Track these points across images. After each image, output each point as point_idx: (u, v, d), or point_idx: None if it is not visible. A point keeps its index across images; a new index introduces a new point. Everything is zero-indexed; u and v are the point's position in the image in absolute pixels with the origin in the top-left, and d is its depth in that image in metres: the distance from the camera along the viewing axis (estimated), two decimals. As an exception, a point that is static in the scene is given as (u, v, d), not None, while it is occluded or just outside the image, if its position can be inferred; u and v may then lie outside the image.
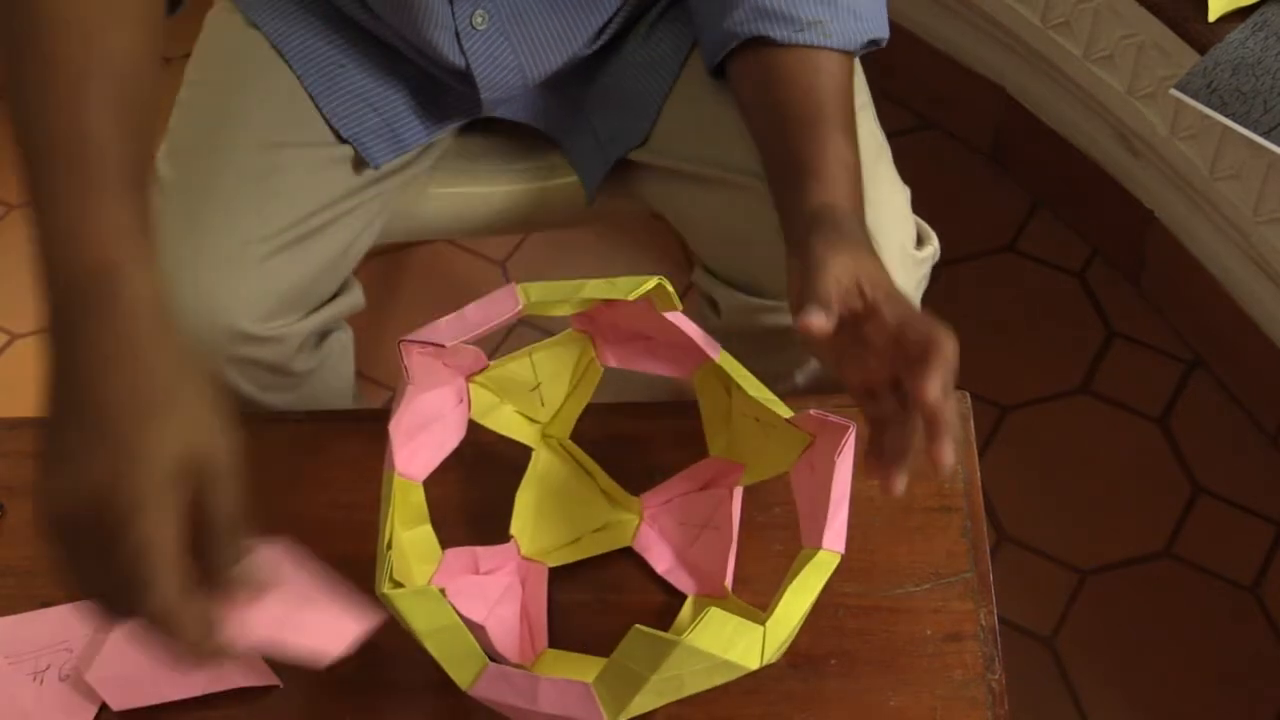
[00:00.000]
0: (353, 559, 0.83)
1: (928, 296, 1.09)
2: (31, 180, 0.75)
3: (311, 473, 0.96)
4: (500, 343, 1.72)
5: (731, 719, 0.84)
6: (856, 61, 1.10)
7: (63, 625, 0.89)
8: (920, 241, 1.07)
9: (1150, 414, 1.69)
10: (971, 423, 0.96)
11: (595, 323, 0.91)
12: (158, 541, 0.66)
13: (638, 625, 0.74)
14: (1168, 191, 1.67)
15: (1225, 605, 1.55)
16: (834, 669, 0.86)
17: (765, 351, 1.01)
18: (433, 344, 0.83)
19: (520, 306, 0.83)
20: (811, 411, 0.83)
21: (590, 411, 0.96)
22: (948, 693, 0.84)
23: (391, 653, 0.88)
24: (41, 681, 0.87)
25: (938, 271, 1.09)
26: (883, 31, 0.99)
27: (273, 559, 0.73)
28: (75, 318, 0.72)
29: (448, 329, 0.83)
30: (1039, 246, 1.84)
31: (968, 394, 0.97)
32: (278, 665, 0.87)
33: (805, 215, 0.89)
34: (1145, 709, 1.48)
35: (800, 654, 0.86)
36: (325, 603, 0.74)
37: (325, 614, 0.74)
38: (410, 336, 0.83)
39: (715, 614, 0.74)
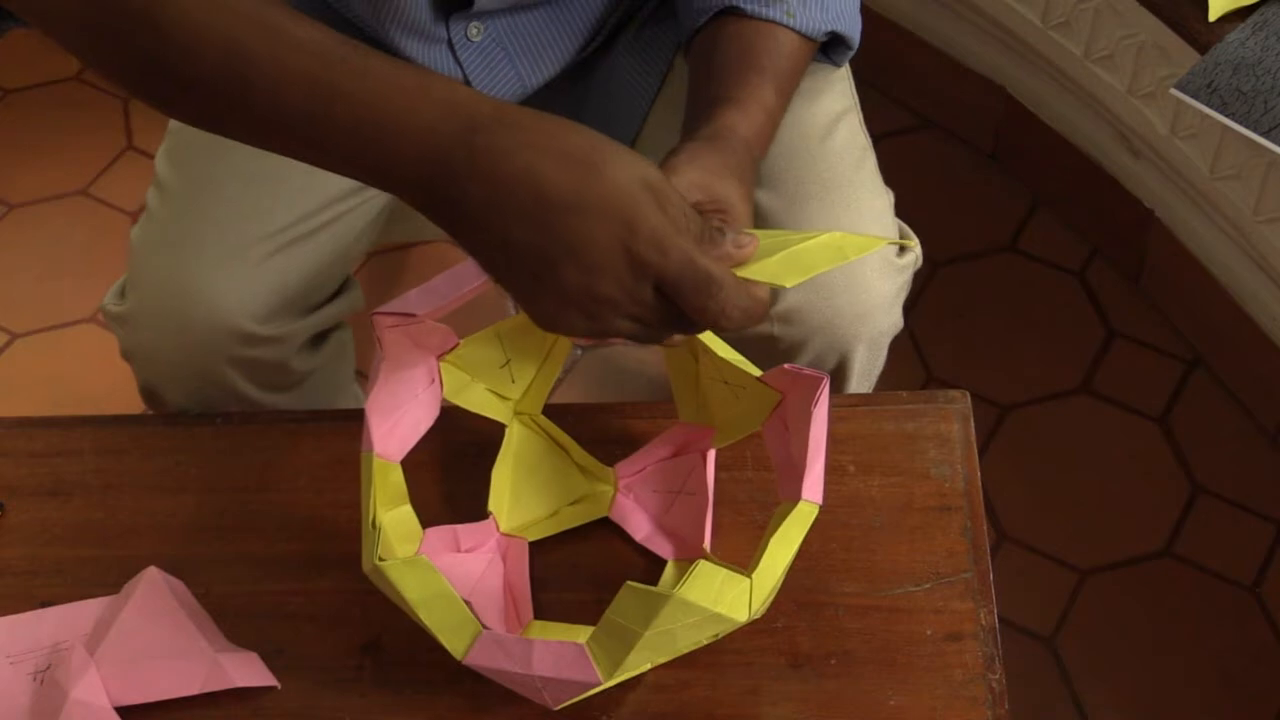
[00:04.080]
0: (354, 558, 0.83)
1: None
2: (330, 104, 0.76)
3: (312, 472, 0.96)
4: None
5: (732, 718, 0.84)
6: (846, 67, 1.10)
7: (63, 625, 0.89)
8: (902, 247, 1.07)
9: (1150, 414, 1.69)
10: (971, 423, 0.96)
11: None
12: (694, 252, 0.73)
13: (629, 582, 0.75)
14: (1168, 191, 1.67)
15: (1225, 605, 1.55)
16: (834, 669, 0.86)
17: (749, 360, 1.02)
18: (404, 314, 0.83)
19: (488, 275, 0.83)
20: (786, 366, 0.84)
21: (592, 411, 0.96)
22: (948, 692, 0.84)
23: (389, 653, 0.88)
24: (41, 681, 0.87)
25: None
26: (849, 30, 1.00)
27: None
28: (470, 150, 0.74)
29: (418, 299, 0.84)
30: (1039, 246, 1.84)
31: (968, 393, 0.97)
32: (275, 667, 0.87)
33: (700, 131, 0.89)
34: (1145, 709, 1.48)
35: (800, 654, 0.86)
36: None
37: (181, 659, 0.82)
38: (382, 308, 0.84)
39: (705, 567, 0.75)
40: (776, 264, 0.76)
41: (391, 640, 0.88)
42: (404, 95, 0.75)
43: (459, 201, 0.74)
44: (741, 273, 0.76)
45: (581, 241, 0.73)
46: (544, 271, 0.74)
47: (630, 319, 0.76)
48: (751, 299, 0.76)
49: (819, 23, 0.97)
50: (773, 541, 0.78)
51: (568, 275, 0.73)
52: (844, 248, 0.78)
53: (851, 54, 1.05)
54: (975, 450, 0.94)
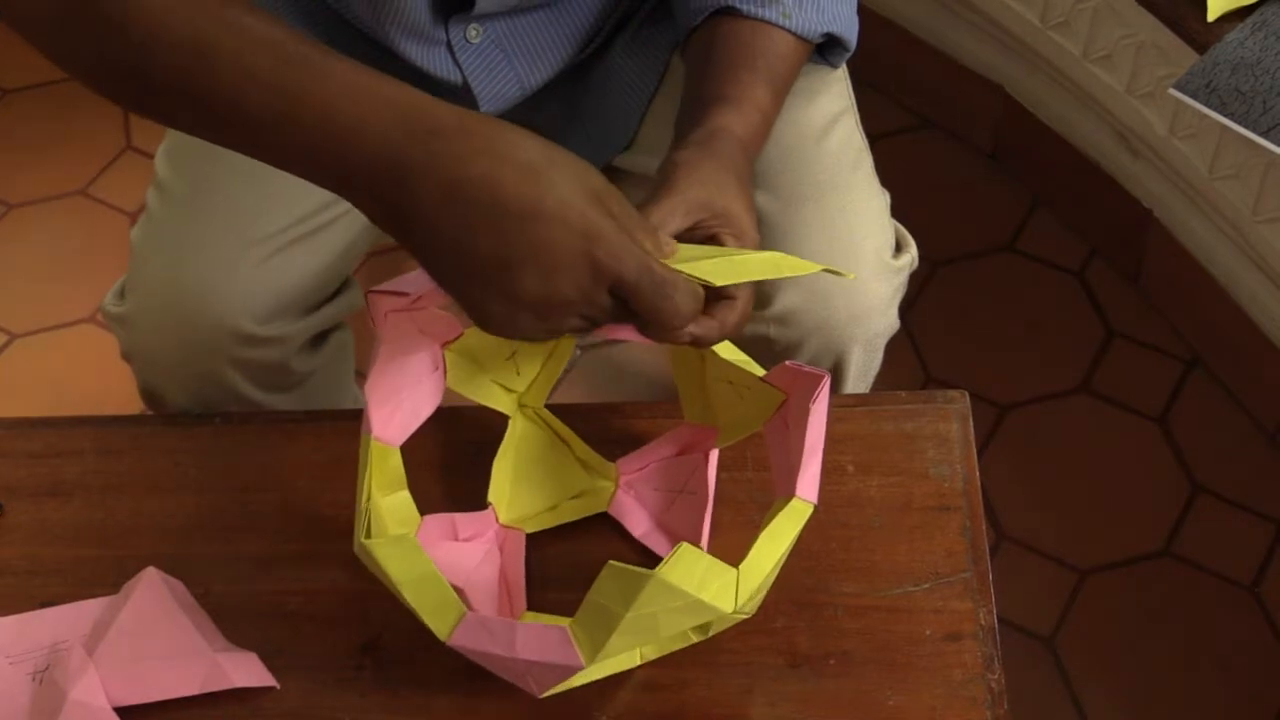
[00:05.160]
0: (353, 557, 0.83)
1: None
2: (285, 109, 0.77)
3: (312, 472, 0.96)
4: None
5: (731, 718, 0.84)
6: (844, 67, 1.10)
7: (63, 625, 0.89)
8: (899, 248, 1.07)
9: (1150, 414, 1.69)
10: (970, 422, 0.96)
11: None
12: (646, 258, 0.76)
13: (612, 561, 0.75)
14: (1167, 191, 1.67)
15: (1225, 605, 1.55)
16: (834, 669, 0.86)
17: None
18: (399, 293, 0.84)
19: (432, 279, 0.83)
20: (787, 364, 0.84)
21: (587, 410, 0.96)
22: (947, 692, 0.84)
23: (389, 653, 0.88)
24: (40, 682, 0.87)
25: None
26: (845, 31, 1.01)
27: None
28: (429, 155, 0.75)
29: (414, 280, 0.84)
30: (1039, 246, 1.84)
31: (966, 394, 0.97)
32: (275, 667, 0.87)
33: (695, 134, 0.90)
34: (1145, 709, 1.48)
35: (800, 654, 0.86)
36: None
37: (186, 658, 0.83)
38: (378, 287, 0.84)
39: (687, 549, 0.75)
40: (711, 265, 0.79)
41: (391, 640, 0.88)
42: (364, 98, 0.76)
43: (413, 205, 0.75)
44: (677, 267, 0.78)
45: (542, 248, 0.74)
46: (499, 276, 0.75)
47: (581, 318, 0.78)
48: (698, 299, 0.79)
49: (815, 24, 0.98)
50: (763, 536, 0.78)
51: (526, 280, 0.75)
52: (780, 264, 0.82)
53: (848, 56, 1.06)
54: (974, 450, 0.95)
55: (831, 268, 0.84)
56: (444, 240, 0.75)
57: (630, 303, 0.77)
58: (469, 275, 0.76)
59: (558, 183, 0.74)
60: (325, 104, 0.76)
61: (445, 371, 0.91)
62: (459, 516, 0.91)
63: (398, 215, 0.76)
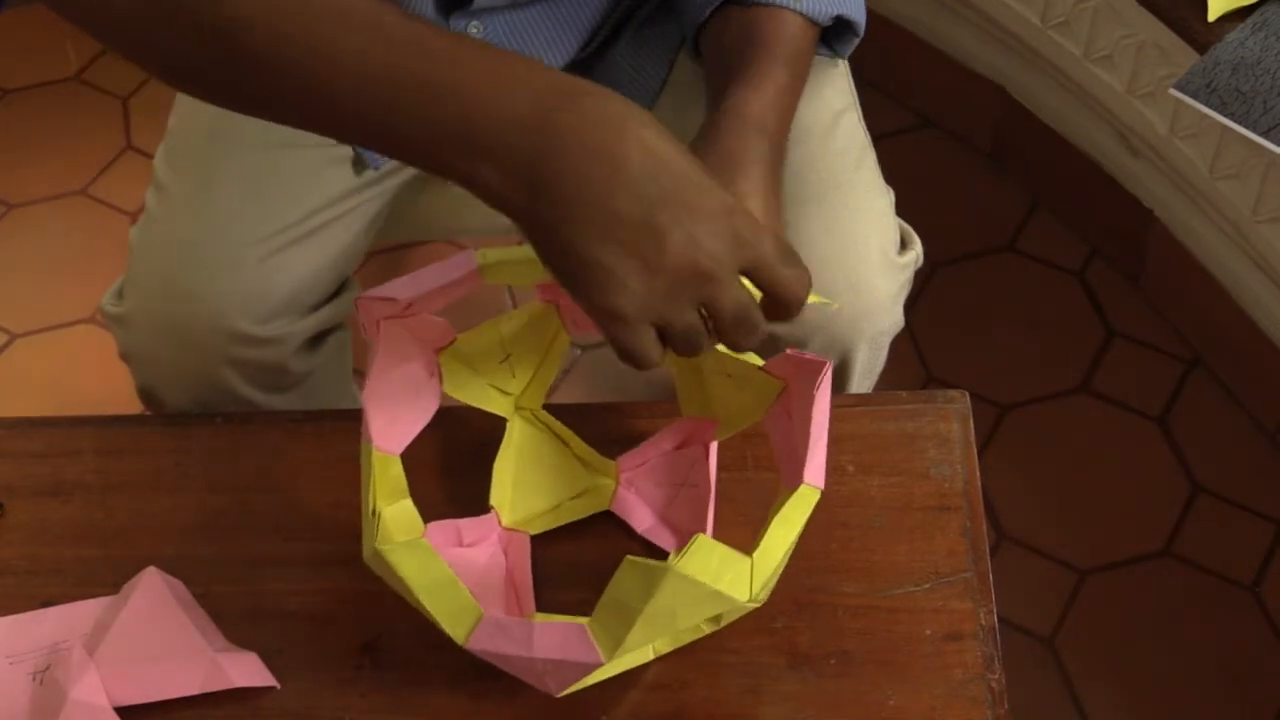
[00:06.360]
0: (353, 557, 0.83)
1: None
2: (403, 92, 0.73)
3: (312, 472, 0.96)
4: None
5: (731, 718, 0.84)
6: (845, 64, 1.10)
7: (63, 625, 0.89)
8: (904, 246, 1.07)
9: (1150, 414, 1.69)
10: (971, 422, 0.96)
11: (560, 292, 0.91)
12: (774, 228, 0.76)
13: (629, 556, 0.75)
14: (1167, 191, 1.67)
15: (1225, 605, 1.55)
16: (834, 669, 0.86)
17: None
18: (388, 299, 0.83)
19: (475, 267, 0.83)
20: (789, 352, 0.84)
21: (587, 411, 0.96)
22: (947, 692, 0.84)
23: (389, 653, 0.88)
24: (41, 682, 0.87)
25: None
26: (855, 13, 1.01)
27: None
28: (579, 115, 0.72)
29: (403, 286, 0.84)
30: (1039, 246, 1.84)
31: (967, 394, 0.97)
32: (275, 667, 0.87)
33: (703, 123, 0.90)
34: (1145, 709, 1.48)
35: (800, 654, 0.86)
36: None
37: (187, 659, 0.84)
38: (367, 293, 0.84)
39: (703, 540, 0.75)
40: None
41: (391, 640, 0.88)
42: (496, 65, 0.73)
43: (557, 164, 0.72)
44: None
45: (691, 214, 0.72)
46: (644, 240, 0.72)
47: (700, 301, 0.74)
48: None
49: (825, 6, 0.98)
50: (774, 523, 0.78)
51: (671, 246, 0.72)
52: None
53: (857, 42, 1.05)
54: (974, 450, 0.94)
55: (818, 298, 0.83)
56: (589, 199, 0.72)
57: (761, 275, 0.74)
58: (609, 241, 0.72)
59: (690, 156, 0.73)
60: (457, 71, 0.72)
61: (441, 377, 0.91)
62: (463, 522, 0.90)
63: (532, 176, 0.72)
